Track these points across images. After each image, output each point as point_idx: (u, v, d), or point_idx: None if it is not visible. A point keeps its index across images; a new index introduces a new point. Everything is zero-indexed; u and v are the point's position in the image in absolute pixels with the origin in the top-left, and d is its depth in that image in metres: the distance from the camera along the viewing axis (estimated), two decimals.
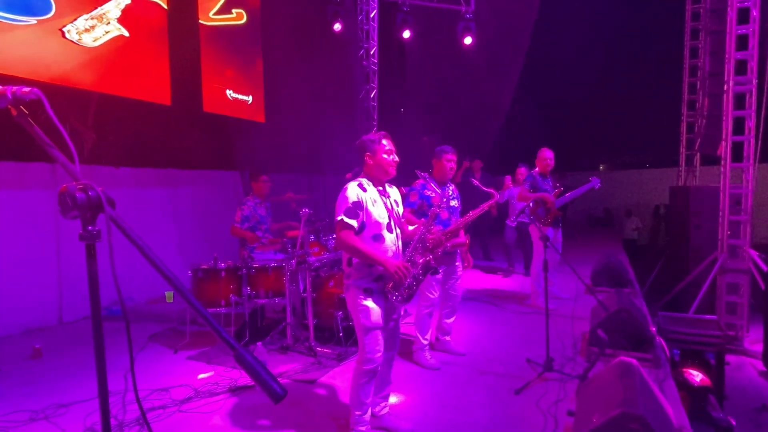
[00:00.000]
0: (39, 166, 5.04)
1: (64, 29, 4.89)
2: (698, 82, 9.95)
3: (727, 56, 6.27)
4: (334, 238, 5.40)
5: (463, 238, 3.72)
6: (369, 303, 2.57)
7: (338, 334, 4.10)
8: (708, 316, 5.20)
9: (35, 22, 4.63)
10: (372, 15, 9.33)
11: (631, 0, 16.35)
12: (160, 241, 6.45)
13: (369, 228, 2.59)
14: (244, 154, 7.44)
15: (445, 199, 3.78)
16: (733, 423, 3.89)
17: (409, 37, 8.88)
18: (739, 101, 6.26)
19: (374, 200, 2.62)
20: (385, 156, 2.64)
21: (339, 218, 2.54)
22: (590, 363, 3.28)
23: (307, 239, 4.45)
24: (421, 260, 2.67)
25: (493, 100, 11.53)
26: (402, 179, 3.02)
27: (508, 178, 7.48)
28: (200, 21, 6.77)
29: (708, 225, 7.27)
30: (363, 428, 2.67)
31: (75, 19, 5.00)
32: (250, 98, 7.79)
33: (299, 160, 8.89)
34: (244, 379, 3.50)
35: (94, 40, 5.20)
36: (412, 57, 11.32)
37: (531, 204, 5.33)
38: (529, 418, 2.96)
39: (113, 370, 3.46)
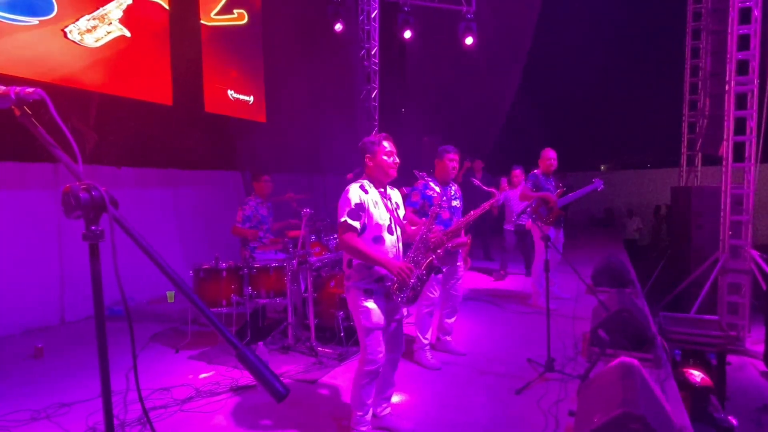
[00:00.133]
0: (41, 167, 5.05)
1: (66, 30, 4.90)
2: (699, 82, 9.94)
3: (728, 56, 6.27)
4: (335, 238, 5.41)
5: (464, 238, 3.72)
6: (369, 304, 2.58)
7: (339, 334, 4.10)
8: (709, 317, 5.19)
9: (37, 22, 4.64)
10: (373, 15, 9.33)
11: (632, 0, 16.34)
12: (162, 242, 6.46)
13: (370, 230, 2.60)
14: (245, 154, 7.45)
15: (446, 199, 3.79)
16: (735, 423, 3.89)
17: (410, 38, 8.88)
18: (741, 101, 6.25)
19: (376, 202, 2.63)
20: (385, 158, 2.64)
21: (342, 220, 2.55)
22: (591, 363, 3.27)
23: (309, 239, 4.45)
24: (423, 261, 2.67)
25: (494, 101, 11.53)
26: (403, 180, 3.02)
27: (503, 180, 7.47)
28: (202, 21, 6.78)
29: (709, 225, 7.27)
30: (364, 428, 2.68)
31: (77, 20, 5.01)
32: (251, 98, 7.80)
33: (300, 160, 8.89)
34: (245, 378, 3.51)
35: (96, 41, 5.21)
36: (413, 57, 11.32)
37: (533, 203, 5.34)
38: (529, 418, 2.96)
39: (115, 370, 3.45)
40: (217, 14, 7.10)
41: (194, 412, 3.08)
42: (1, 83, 1.19)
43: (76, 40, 5.00)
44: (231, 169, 7.78)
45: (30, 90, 1.16)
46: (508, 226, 6.99)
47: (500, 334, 4.63)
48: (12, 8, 4.43)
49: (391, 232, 2.65)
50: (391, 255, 2.63)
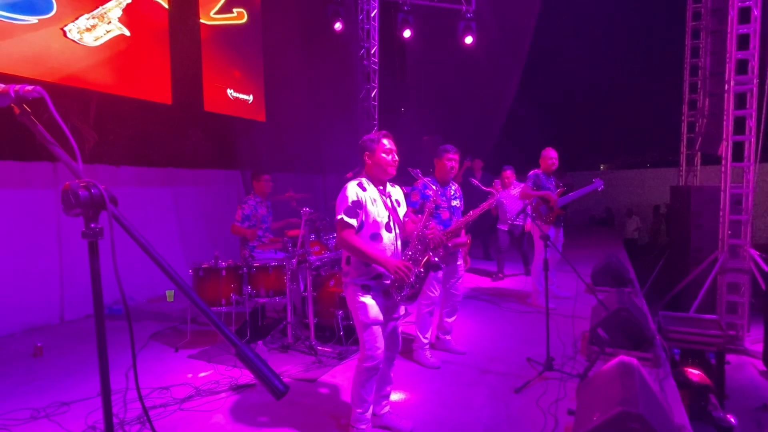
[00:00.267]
0: (41, 165, 5.05)
1: (66, 28, 4.90)
2: (699, 82, 9.94)
3: (728, 56, 6.27)
4: (334, 237, 5.41)
5: (464, 237, 3.72)
6: (367, 299, 2.58)
7: (339, 333, 4.10)
8: (708, 316, 5.20)
9: (36, 21, 4.64)
10: (372, 14, 9.33)
11: (632, 0, 16.35)
12: (161, 241, 6.45)
13: (367, 227, 2.60)
14: (244, 153, 7.46)
15: (444, 198, 3.78)
16: (734, 422, 3.89)
17: (410, 37, 8.88)
18: (740, 101, 6.26)
19: (374, 199, 2.63)
20: (383, 155, 2.64)
21: (339, 217, 2.55)
22: (590, 362, 3.28)
23: (308, 238, 4.46)
24: (422, 259, 2.67)
25: (493, 100, 11.54)
26: (402, 179, 3.02)
27: (496, 182, 7.44)
28: (201, 20, 6.78)
29: (709, 224, 7.27)
30: (364, 426, 2.68)
31: (76, 19, 5.01)
32: (250, 97, 7.80)
33: (299, 159, 8.90)
34: (244, 377, 3.51)
35: (96, 40, 5.21)
36: (412, 56, 11.33)
37: (533, 202, 5.34)
38: (529, 417, 2.96)
39: (114, 369, 3.44)
40: (216, 13, 7.10)
41: (194, 411, 3.08)
42: (0, 81, 1.19)
43: (75, 39, 5.00)
44: (230, 168, 7.78)
45: (29, 88, 1.16)
46: (502, 226, 6.97)
47: (500, 333, 4.63)
48: (11, 7, 4.43)
49: (389, 230, 2.65)
50: (389, 253, 2.63)
